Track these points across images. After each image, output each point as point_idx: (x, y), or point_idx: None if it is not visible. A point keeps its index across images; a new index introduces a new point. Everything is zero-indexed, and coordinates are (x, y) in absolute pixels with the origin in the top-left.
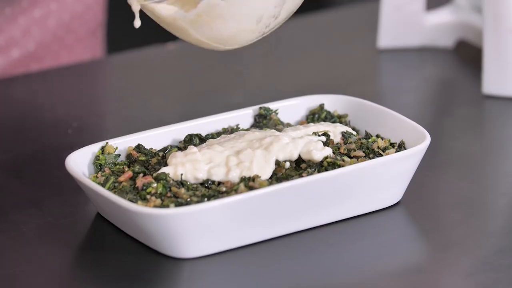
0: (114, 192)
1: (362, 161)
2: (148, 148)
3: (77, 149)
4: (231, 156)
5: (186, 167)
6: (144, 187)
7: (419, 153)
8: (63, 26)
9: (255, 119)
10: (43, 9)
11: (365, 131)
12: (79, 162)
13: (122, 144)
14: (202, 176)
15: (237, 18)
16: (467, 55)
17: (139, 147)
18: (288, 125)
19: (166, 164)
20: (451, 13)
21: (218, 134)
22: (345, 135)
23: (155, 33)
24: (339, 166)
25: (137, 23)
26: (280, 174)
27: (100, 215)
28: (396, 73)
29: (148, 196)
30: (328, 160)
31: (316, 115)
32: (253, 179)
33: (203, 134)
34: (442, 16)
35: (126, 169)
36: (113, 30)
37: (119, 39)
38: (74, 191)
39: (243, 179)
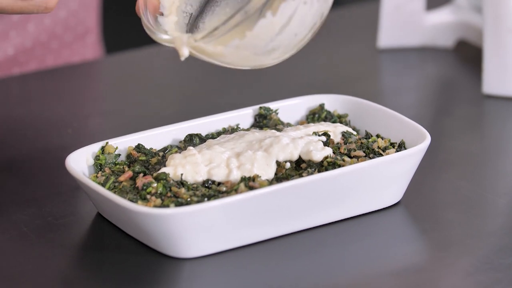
0: (114, 192)
1: (362, 161)
2: (148, 148)
3: (77, 149)
4: (231, 157)
5: (186, 168)
6: (144, 187)
7: (419, 153)
8: (44, 31)
9: (255, 119)
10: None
11: (365, 131)
12: (79, 162)
13: (122, 144)
14: (202, 179)
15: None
16: (467, 55)
17: (139, 147)
18: (288, 125)
19: (166, 164)
20: (451, 13)
21: (218, 134)
22: (345, 135)
23: None
24: (339, 166)
25: (186, 53)
26: (281, 174)
27: (100, 215)
28: (396, 73)
29: (148, 196)
30: (328, 160)
31: (316, 115)
32: (253, 179)
33: (203, 134)
34: (442, 16)
35: (126, 169)
36: (112, 30)
37: (119, 39)
38: (74, 190)
39: (243, 179)
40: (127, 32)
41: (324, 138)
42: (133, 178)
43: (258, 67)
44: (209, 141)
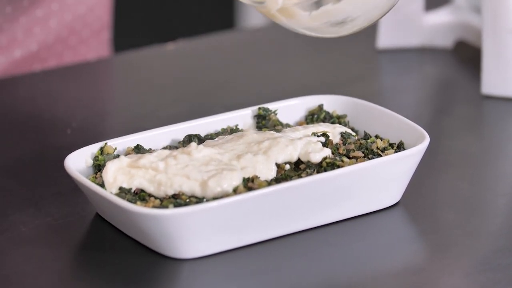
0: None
1: (361, 161)
2: (147, 149)
3: (76, 149)
4: (232, 160)
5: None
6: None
7: (418, 154)
8: (65, 26)
9: (254, 120)
10: (44, 9)
11: (364, 131)
12: (78, 162)
13: (121, 144)
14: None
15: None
16: (466, 55)
17: (138, 148)
18: (287, 125)
19: None
20: (450, 13)
21: (217, 134)
22: (344, 136)
23: (154, 33)
24: (338, 166)
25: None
26: (280, 175)
27: (99, 215)
28: (395, 73)
29: (147, 197)
30: (327, 160)
31: (315, 116)
32: (252, 179)
33: (202, 135)
34: (441, 16)
35: None
36: (112, 31)
37: (118, 39)
38: (73, 191)
39: (242, 180)
40: (126, 32)
41: (323, 139)
42: None
43: (335, 35)
44: (207, 142)
